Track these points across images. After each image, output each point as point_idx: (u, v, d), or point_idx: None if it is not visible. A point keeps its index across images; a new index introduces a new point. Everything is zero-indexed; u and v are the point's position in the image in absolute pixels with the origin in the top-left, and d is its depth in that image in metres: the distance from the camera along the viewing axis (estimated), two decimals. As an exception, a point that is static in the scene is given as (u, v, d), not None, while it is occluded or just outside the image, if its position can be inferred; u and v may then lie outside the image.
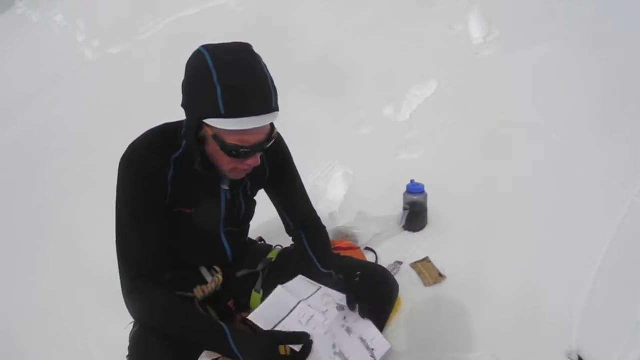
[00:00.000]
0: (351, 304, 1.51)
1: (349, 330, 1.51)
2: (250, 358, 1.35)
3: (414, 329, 1.98)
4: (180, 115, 1.51)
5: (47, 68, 6.16)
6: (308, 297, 1.55)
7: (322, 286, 1.60)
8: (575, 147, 2.70)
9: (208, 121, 1.35)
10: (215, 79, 1.30)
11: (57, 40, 6.80)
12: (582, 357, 1.77)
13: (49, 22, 7.24)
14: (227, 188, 1.64)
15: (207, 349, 1.65)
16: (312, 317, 1.48)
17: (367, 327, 1.53)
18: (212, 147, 1.44)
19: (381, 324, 1.81)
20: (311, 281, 1.63)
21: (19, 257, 3.28)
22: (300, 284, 1.62)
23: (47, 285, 2.90)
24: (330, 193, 2.97)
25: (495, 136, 2.99)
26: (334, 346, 1.45)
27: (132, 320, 1.52)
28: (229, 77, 1.31)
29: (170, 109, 1.73)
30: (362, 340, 1.50)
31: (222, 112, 1.31)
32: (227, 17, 5.80)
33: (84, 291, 2.70)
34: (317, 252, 1.80)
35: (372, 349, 1.49)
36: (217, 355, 1.90)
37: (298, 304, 1.51)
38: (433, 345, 1.92)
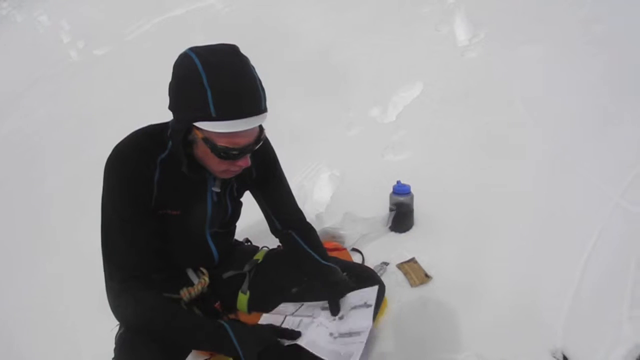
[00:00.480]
0: (334, 310, 1.61)
1: (341, 317, 1.58)
2: (249, 348, 1.37)
3: (400, 329, 1.98)
4: (167, 116, 1.50)
5: (32, 69, 6.10)
6: (294, 312, 1.63)
7: (304, 302, 1.69)
8: (563, 148, 2.72)
9: (198, 124, 1.34)
10: (205, 81, 1.29)
11: (42, 41, 6.74)
12: (567, 356, 1.79)
13: (34, 22, 7.18)
14: (219, 190, 1.64)
15: (197, 349, 1.65)
16: (300, 321, 1.53)
17: (353, 297, 1.63)
18: (202, 150, 1.43)
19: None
20: (291, 303, 1.72)
21: (10, 258, 3.25)
22: (282, 307, 1.70)
23: (38, 285, 2.88)
24: (317, 194, 2.98)
25: (481, 137, 3.01)
26: (330, 334, 1.52)
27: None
28: (218, 79, 1.30)
29: (158, 110, 1.73)
30: (355, 307, 1.59)
31: (213, 114, 1.31)
32: (214, 18, 5.79)
33: (75, 291, 2.69)
34: (314, 248, 1.82)
35: (365, 302, 1.59)
36: (205, 356, 1.90)
37: (285, 318, 1.58)
38: (419, 345, 1.92)
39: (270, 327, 1.44)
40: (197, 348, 1.59)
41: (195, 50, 1.36)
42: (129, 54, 5.76)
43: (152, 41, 5.78)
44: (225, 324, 1.43)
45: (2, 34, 7.29)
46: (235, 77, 1.33)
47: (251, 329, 1.45)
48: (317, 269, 1.76)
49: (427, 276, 2.23)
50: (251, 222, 2.10)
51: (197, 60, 1.31)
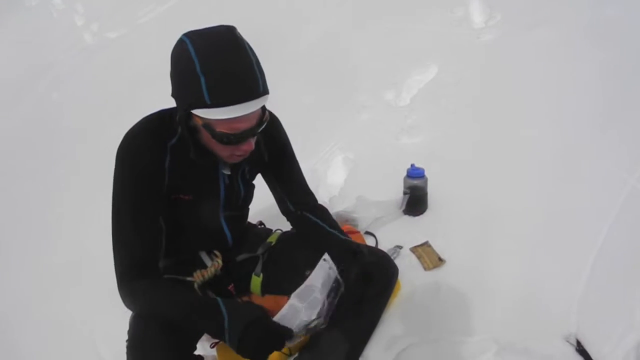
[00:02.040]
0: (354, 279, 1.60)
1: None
2: (236, 321, 1.36)
3: (413, 312, 1.98)
4: (179, 100, 1.50)
5: (46, 52, 6.13)
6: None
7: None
8: (578, 133, 2.69)
9: (196, 111, 1.35)
10: (197, 68, 1.29)
11: (55, 24, 6.75)
12: (580, 340, 1.78)
13: (47, 5, 7.19)
14: (229, 172, 1.64)
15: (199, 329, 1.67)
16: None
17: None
18: (205, 136, 1.43)
19: (380, 308, 1.84)
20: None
21: (16, 247, 3.29)
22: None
23: (45, 275, 2.92)
24: (330, 177, 2.97)
25: (496, 121, 2.98)
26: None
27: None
28: (212, 65, 1.29)
29: (169, 95, 1.72)
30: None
31: (208, 101, 1.30)
32: (226, 1, 5.76)
33: (84, 281, 2.72)
34: (334, 227, 1.82)
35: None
36: (215, 340, 1.92)
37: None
38: (432, 328, 1.92)
39: (265, 311, 1.45)
40: (193, 327, 1.60)
41: (189, 35, 1.35)
42: (142, 37, 5.75)
43: (165, 24, 5.77)
44: (218, 299, 1.43)
45: (16, 17, 7.31)
46: (229, 61, 1.31)
47: (242, 304, 1.46)
48: (341, 244, 1.74)
49: (440, 260, 2.22)
50: (264, 205, 2.10)
51: (190, 46, 1.30)
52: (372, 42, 4.19)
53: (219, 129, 1.36)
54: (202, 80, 1.28)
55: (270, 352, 1.38)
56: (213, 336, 1.47)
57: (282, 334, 1.39)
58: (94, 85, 5.12)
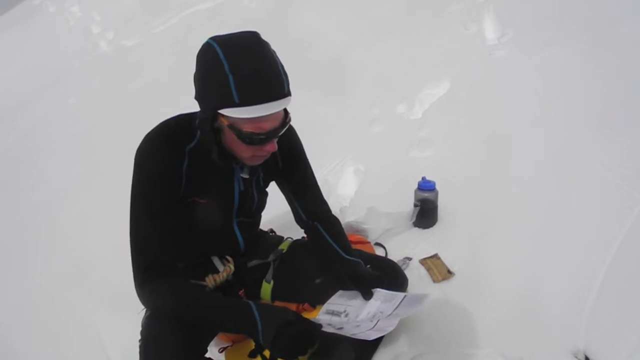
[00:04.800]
0: (367, 295, 1.61)
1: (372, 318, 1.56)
2: (269, 325, 1.39)
3: (421, 323, 1.99)
4: (193, 107, 1.53)
5: (62, 59, 6.21)
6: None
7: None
8: (587, 149, 2.69)
9: (223, 111, 1.37)
10: (226, 68, 1.32)
11: (72, 31, 6.85)
12: (589, 356, 1.78)
13: (65, 13, 7.30)
14: (247, 176, 1.66)
15: (222, 329, 1.68)
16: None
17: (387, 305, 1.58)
18: (229, 137, 1.46)
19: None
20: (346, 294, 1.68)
21: (17, 256, 3.32)
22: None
23: (45, 284, 2.95)
24: (342, 188, 2.99)
25: (506, 136, 2.99)
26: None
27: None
28: (240, 65, 1.33)
29: (184, 102, 1.76)
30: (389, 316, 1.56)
31: (237, 100, 1.33)
32: (240, 12, 5.82)
33: (92, 283, 2.74)
34: (338, 241, 1.82)
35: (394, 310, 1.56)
36: (227, 344, 1.93)
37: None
38: (439, 340, 1.92)
39: (295, 313, 1.46)
40: (222, 328, 1.62)
41: (216, 39, 1.39)
42: (157, 46, 5.82)
43: (180, 33, 5.84)
44: (251, 302, 1.45)
45: (35, 23, 7.42)
46: (257, 62, 1.35)
47: (273, 308, 1.48)
48: (340, 263, 1.77)
49: (449, 272, 2.23)
50: (276, 213, 2.13)
51: (218, 49, 1.35)
52: (386, 56, 4.21)
53: (246, 128, 1.39)
54: (231, 79, 1.32)
55: (304, 353, 1.41)
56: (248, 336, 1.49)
57: (314, 335, 1.42)
58: (110, 92, 5.18)
